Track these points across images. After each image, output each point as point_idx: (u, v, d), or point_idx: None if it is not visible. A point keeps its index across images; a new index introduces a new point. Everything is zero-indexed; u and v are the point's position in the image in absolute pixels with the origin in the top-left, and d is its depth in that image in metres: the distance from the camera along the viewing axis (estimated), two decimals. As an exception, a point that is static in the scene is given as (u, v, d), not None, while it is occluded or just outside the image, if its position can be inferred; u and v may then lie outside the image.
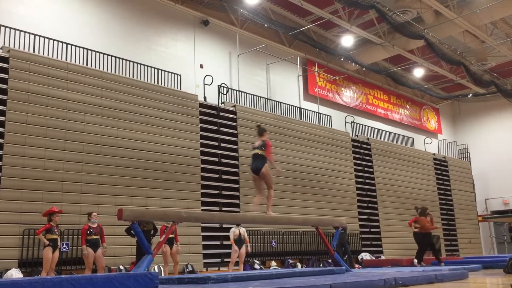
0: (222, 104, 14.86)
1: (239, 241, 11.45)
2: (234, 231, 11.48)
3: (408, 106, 24.93)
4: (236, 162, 14.50)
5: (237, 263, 11.67)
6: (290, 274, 8.00)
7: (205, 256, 12.99)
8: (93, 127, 11.52)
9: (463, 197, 23.64)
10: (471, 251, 22.40)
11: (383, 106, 23.31)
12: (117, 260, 11.00)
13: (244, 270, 11.67)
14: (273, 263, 14.43)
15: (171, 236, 10.05)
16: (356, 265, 15.23)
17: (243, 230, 11.61)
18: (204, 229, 13.08)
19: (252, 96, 16.35)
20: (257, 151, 7.43)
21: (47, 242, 8.87)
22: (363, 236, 17.97)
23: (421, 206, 12.59)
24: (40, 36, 11.63)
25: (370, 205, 18.69)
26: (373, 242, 18.34)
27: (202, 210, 12.88)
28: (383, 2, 16.20)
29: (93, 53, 12.46)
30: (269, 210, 7.67)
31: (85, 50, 12.35)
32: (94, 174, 11.29)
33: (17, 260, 9.87)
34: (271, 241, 14.63)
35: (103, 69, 12.45)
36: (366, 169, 19.07)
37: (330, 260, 13.71)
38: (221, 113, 14.59)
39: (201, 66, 15.81)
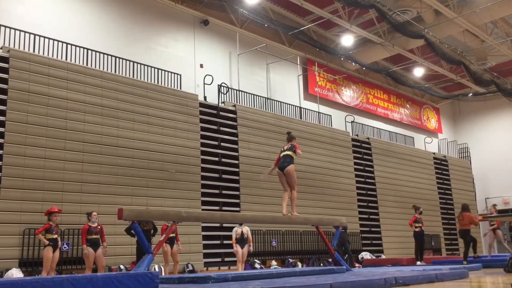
0: (222, 104, 14.86)
1: (242, 240, 11.38)
2: (236, 230, 11.40)
3: (408, 106, 24.92)
4: (236, 161, 14.49)
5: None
6: (291, 273, 8.00)
7: (206, 255, 12.99)
8: (94, 127, 11.52)
9: (463, 196, 23.60)
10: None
11: (383, 105, 23.30)
12: (117, 259, 11.00)
13: (244, 269, 11.64)
14: (274, 262, 14.42)
15: (172, 235, 10.05)
16: (357, 265, 15.23)
17: (246, 229, 11.49)
18: (204, 228, 13.08)
19: (252, 95, 16.35)
20: (286, 152, 8.36)
21: (46, 242, 8.88)
22: (363, 235, 17.97)
23: (462, 204, 12.47)
24: (40, 36, 11.63)
25: (370, 204, 18.69)
26: (374, 242, 18.34)
27: (203, 209, 12.88)
28: (383, 1, 16.18)
29: (93, 53, 12.46)
30: (294, 211, 8.37)
31: (85, 50, 12.35)
32: (94, 174, 11.29)
33: (18, 259, 9.86)
34: (272, 241, 14.63)
35: (103, 69, 12.45)
36: (366, 168, 19.07)
37: (330, 260, 13.72)
38: (221, 113, 14.59)
39: (201, 66, 15.81)
